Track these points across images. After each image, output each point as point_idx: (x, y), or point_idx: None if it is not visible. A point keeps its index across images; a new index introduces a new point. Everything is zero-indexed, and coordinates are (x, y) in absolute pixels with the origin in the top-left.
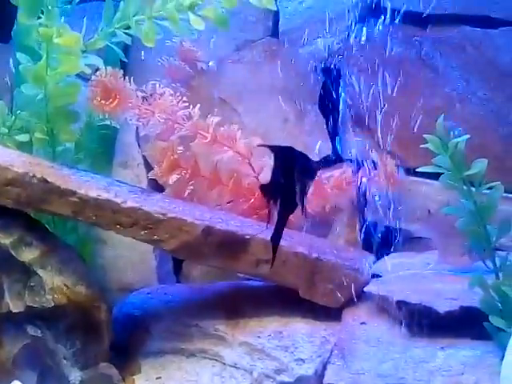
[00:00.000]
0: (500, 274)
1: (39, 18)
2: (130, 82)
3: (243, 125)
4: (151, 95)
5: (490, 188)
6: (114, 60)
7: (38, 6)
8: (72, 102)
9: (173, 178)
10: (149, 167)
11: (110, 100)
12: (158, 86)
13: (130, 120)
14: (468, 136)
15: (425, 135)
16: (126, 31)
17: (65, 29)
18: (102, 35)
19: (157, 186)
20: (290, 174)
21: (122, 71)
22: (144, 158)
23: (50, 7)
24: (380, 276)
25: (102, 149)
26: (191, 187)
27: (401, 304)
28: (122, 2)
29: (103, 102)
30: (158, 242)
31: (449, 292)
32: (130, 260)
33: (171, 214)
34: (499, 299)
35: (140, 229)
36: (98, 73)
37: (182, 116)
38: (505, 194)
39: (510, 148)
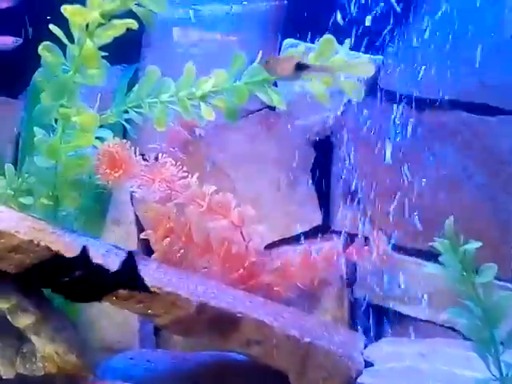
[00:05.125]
0: None
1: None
2: (135, 153)
3: (235, 191)
4: (156, 159)
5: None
6: (118, 126)
7: (62, 92)
8: (81, 173)
9: (164, 241)
10: (140, 225)
11: (116, 169)
12: (160, 155)
13: (131, 187)
14: (480, 244)
15: (435, 240)
16: (138, 110)
17: (83, 108)
18: (114, 112)
19: (147, 246)
20: None
21: (128, 142)
22: (136, 215)
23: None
24: (372, 365)
25: (97, 207)
26: (182, 251)
27: None
28: (137, 85)
29: (108, 171)
30: (153, 316)
31: None
32: (114, 319)
33: (167, 289)
34: None
35: (135, 302)
36: (105, 142)
37: (181, 184)
38: (501, 283)
39: (506, 236)
